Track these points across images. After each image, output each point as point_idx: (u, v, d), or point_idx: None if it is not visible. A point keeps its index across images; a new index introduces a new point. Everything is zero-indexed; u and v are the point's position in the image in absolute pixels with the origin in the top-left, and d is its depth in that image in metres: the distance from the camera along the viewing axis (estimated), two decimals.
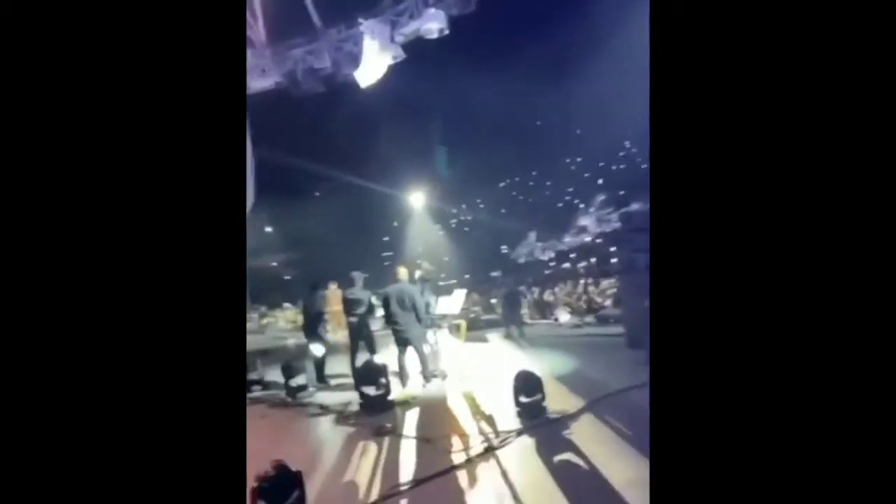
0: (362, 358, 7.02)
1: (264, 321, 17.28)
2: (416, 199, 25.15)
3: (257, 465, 2.35)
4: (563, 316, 13.39)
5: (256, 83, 15.92)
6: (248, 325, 17.61)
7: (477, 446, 4.23)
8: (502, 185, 48.37)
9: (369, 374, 6.03)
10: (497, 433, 4.51)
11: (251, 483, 2.39)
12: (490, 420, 4.94)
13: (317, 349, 7.59)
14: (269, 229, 31.97)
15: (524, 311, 12.46)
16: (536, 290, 16.87)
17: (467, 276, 16.65)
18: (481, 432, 4.62)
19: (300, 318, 9.81)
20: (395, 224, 31.28)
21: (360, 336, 7.49)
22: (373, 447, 4.60)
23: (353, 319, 7.46)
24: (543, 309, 14.70)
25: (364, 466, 4.16)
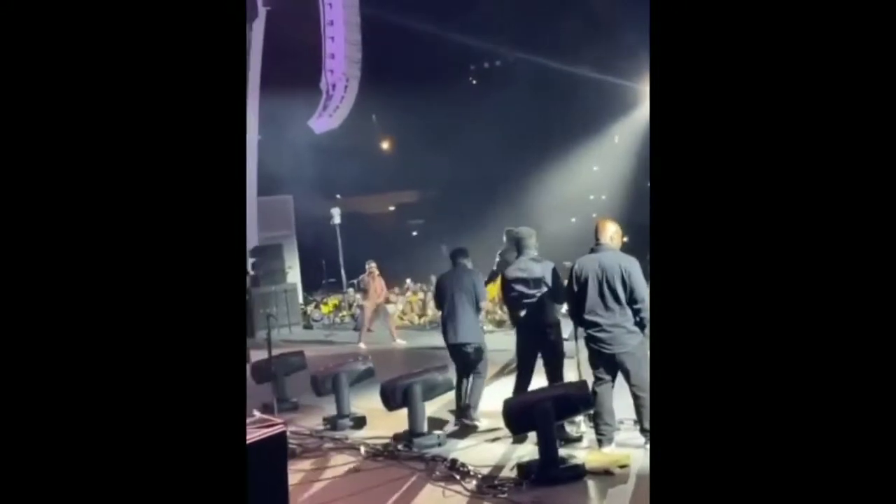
0: (537, 384, 6.90)
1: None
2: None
3: None
4: None
5: None
6: (341, 316, 18.01)
7: None
8: None
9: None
10: None
11: None
12: None
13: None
14: (385, 146, 31.66)
15: None
16: None
17: None
18: None
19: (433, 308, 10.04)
20: (617, 140, 28.27)
21: (537, 344, 6.99)
22: None
23: (522, 313, 6.97)
24: None
25: None
